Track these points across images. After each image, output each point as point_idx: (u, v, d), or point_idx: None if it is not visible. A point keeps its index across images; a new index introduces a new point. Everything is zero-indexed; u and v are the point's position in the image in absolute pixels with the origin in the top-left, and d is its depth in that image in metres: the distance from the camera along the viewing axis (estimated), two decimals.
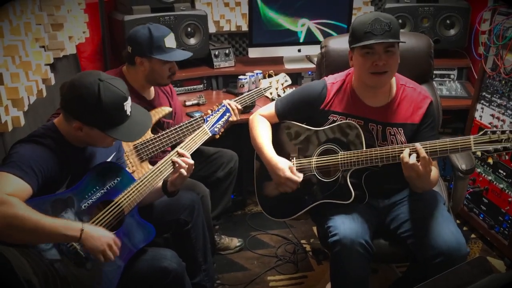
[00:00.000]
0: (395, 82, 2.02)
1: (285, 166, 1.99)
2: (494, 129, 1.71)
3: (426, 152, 1.77)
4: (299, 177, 1.99)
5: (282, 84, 2.56)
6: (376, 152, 1.89)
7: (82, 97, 1.59)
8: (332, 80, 2.08)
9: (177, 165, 1.88)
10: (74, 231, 1.51)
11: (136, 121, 1.71)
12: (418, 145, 1.80)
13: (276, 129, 2.17)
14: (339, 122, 2.00)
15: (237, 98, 2.40)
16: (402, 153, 1.81)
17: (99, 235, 1.57)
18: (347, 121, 1.98)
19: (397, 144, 1.97)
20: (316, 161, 2.04)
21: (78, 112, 1.61)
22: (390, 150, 1.86)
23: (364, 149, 1.91)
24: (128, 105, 1.66)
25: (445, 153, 1.78)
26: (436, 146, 1.78)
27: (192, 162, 1.91)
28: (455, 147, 1.75)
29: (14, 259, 1.40)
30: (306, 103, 2.09)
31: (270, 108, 2.18)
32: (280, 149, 2.12)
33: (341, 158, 1.96)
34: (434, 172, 1.92)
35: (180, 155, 1.92)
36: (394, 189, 2.08)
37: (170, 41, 2.27)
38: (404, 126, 1.98)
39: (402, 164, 1.81)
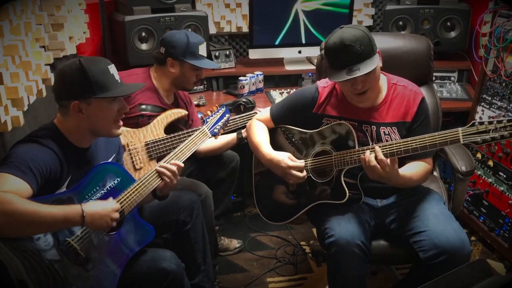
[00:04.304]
0: (386, 82, 2.03)
1: (284, 156, 2.00)
2: (481, 120, 1.70)
3: (416, 148, 1.78)
4: (301, 162, 2.00)
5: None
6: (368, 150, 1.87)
7: (68, 75, 1.63)
8: (324, 84, 2.09)
9: (162, 170, 1.83)
10: (75, 215, 1.51)
11: (129, 84, 1.79)
12: (376, 147, 1.81)
13: (271, 133, 2.19)
14: (332, 123, 2.01)
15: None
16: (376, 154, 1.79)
17: (101, 213, 1.57)
18: (340, 121, 1.99)
19: None
20: (311, 162, 2.04)
21: (69, 91, 1.64)
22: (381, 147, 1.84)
23: (357, 148, 1.91)
24: (113, 69, 1.70)
25: (434, 147, 1.77)
26: (426, 140, 1.78)
27: (174, 168, 1.84)
28: (444, 140, 1.75)
29: (7, 260, 1.39)
30: (299, 107, 2.11)
31: (265, 114, 2.21)
32: None
33: (334, 158, 1.96)
34: (420, 167, 1.94)
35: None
36: (391, 189, 2.05)
37: (202, 49, 2.39)
38: (397, 124, 1.99)
39: (363, 166, 1.82)
